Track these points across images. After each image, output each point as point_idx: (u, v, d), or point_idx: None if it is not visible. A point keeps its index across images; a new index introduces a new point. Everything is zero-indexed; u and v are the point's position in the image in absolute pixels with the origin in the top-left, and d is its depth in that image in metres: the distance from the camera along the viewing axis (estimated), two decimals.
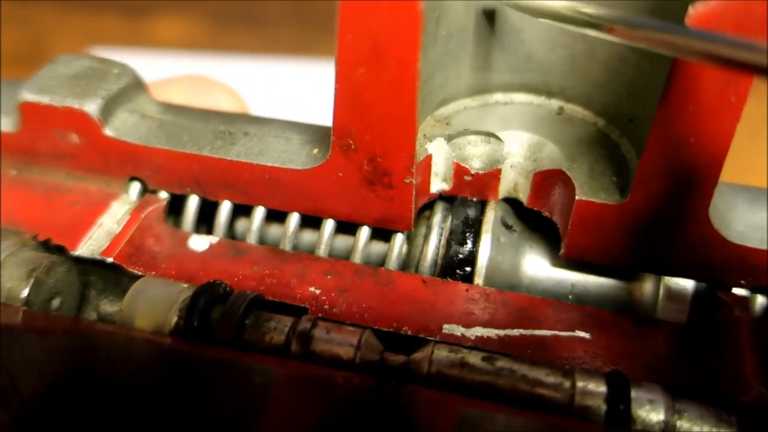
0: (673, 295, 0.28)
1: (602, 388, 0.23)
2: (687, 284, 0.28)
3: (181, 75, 0.39)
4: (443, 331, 0.27)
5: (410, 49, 0.23)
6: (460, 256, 0.29)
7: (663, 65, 0.26)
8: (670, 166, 0.24)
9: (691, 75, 0.22)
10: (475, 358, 0.25)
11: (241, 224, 0.33)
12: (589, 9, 0.22)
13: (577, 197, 0.27)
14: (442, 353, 0.25)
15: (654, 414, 0.23)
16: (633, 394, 0.23)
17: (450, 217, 0.30)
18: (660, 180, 0.25)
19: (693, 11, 0.21)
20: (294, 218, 0.31)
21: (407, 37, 0.23)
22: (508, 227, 0.30)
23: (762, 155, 0.60)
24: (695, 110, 0.23)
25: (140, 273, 0.29)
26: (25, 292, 0.27)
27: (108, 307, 0.28)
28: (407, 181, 0.27)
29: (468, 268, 0.29)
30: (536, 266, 0.31)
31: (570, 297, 0.30)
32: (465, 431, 0.22)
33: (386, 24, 0.23)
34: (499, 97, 0.32)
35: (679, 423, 0.23)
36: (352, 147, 0.27)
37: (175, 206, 0.32)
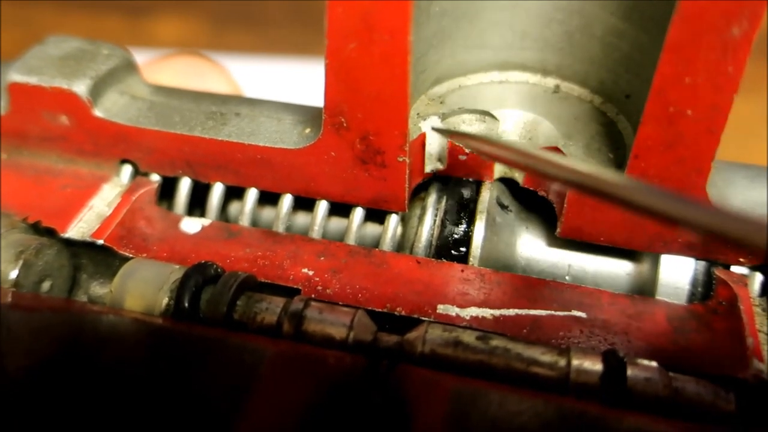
0: (671, 273, 0.27)
1: (598, 367, 0.23)
2: (685, 263, 0.27)
3: (173, 54, 0.39)
4: (437, 311, 0.27)
5: (401, 22, 0.23)
6: (455, 236, 0.29)
7: (661, 39, 0.25)
8: (666, 140, 0.24)
9: (687, 46, 0.22)
10: (469, 337, 0.24)
11: (233, 207, 0.33)
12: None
13: None
14: (435, 332, 0.25)
15: (650, 392, 0.23)
16: (629, 372, 0.23)
17: (445, 197, 0.30)
18: (656, 155, 0.24)
19: None
20: (287, 199, 0.30)
21: (398, 10, 0.23)
22: (503, 207, 0.30)
23: (762, 155, 0.60)
24: (692, 82, 0.22)
25: (131, 255, 0.29)
26: (14, 274, 0.26)
27: (98, 288, 0.28)
28: (400, 159, 0.27)
29: (463, 249, 0.29)
30: (532, 246, 0.30)
31: (567, 277, 0.29)
32: (458, 409, 0.22)
33: None
34: (494, 75, 0.31)
35: (676, 400, 0.23)
36: (344, 125, 0.27)
37: (167, 189, 0.32)
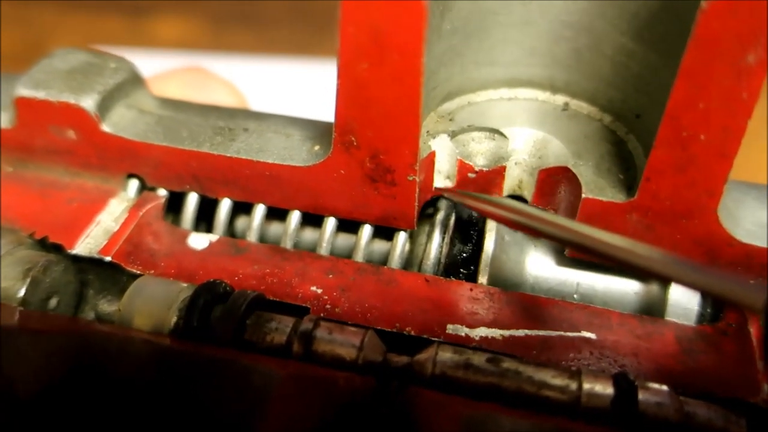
0: (681, 294, 0.27)
1: (609, 390, 0.23)
2: None
3: (178, 67, 0.39)
4: (447, 331, 0.26)
5: (415, 43, 0.23)
6: (464, 254, 0.29)
7: (672, 59, 0.25)
8: (678, 163, 0.24)
9: (702, 71, 0.21)
10: (479, 359, 0.24)
11: (240, 222, 0.33)
12: None
13: (583, 195, 0.26)
14: (446, 354, 0.24)
15: (662, 416, 0.23)
16: (640, 396, 0.23)
17: (453, 214, 0.30)
18: (668, 178, 0.24)
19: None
20: (295, 216, 0.30)
21: (412, 30, 0.22)
22: None
23: (762, 156, 0.59)
24: (706, 106, 0.22)
25: (139, 272, 0.29)
26: (21, 292, 0.26)
27: (106, 306, 0.27)
28: (410, 178, 0.27)
29: (472, 267, 0.29)
30: (541, 265, 0.30)
31: (575, 296, 0.29)
32: None
33: (390, 16, 0.22)
34: (503, 92, 0.31)
35: (687, 425, 0.23)
36: (354, 144, 0.26)
37: (174, 204, 0.32)
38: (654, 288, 0.28)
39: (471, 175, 0.29)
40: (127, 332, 0.24)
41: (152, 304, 0.26)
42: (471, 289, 0.28)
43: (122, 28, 0.94)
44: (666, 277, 0.18)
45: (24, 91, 0.29)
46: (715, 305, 0.27)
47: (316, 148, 0.29)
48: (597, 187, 0.26)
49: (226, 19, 0.94)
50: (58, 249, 0.29)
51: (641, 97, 0.28)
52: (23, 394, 0.21)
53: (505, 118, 0.30)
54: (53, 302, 0.28)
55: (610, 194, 0.26)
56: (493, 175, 0.29)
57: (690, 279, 0.18)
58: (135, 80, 0.31)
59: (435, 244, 0.29)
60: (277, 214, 0.31)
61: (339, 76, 0.25)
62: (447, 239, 0.29)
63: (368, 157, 0.27)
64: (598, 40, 0.28)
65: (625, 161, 0.28)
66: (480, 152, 0.29)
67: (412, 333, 0.26)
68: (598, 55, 0.29)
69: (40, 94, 0.29)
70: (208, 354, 0.23)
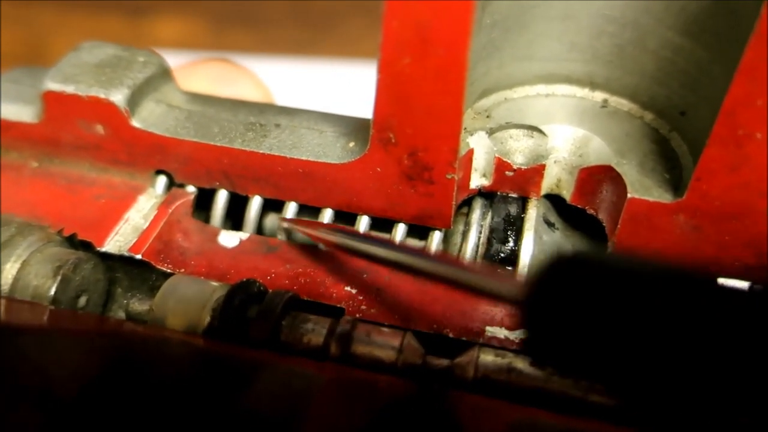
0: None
1: None
2: (742, 287, 0.26)
3: (203, 60, 0.38)
4: (486, 333, 0.26)
5: (461, 37, 0.22)
6: (502, 254, 0.28)
7: (723, 55, 0.24)
8: (732, 163, 0.23)
9: (763, 68, 0.21)
10: (522, 363, 0.24)
11: (269, 220, 0.32)
12: None
13: (629, 195, 0.25)
14: (488, 357, 0.24)
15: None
16: None
17: (490, 213, 0.29)
18: (720, 178, 0.24)
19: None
20: (327, 214, 0.29)
21: (458, 24, 0.22)
22: (550, 225, 0.29)
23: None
24: (764, 104, 0.21)
25: (169, 270, 0.28)
26: (52, 290, 0.25)
27: (137, 305, 0.27)
28: (449, 176, 0.26)
29: (509, 268, 0.28)
30: None
31: None
32: None
33: (436, 10, 0.21)
34: (540, 88, 0.30)
35: None
36: (393, 140, 0.26)
37: (201, 201, 0.31)
38: None
39: (509, 173, 0.29)
40: (162, 332, 0.24)
41: (186, 303, 0.25)
42: None
43: (122, 28, 0.93)
44: (433, 275, 0.21)
45: (53, 85, 0.28)
46: (763, 310, 0.26)
47: (351, 144, 0.28)
48: (642, 186, 0.26)
49: (226, 19, 0.94)
50: (87, 246, 0.28)
51: (687, 93, 0.27)
52: (62, 393, 0.20)
53: (544, 115, 0.29)
54: (82, 301, 0.27)
55: (657, 194, 0.25)
56: (532, 174, 0.29)
57: (453, 276, 0.20)
58: (164, 74, 0.31)
59: (471, 244, 0.29)
60: (308, 212, 0.30)
61: (380, 71, 0.24)
62: (483, 239, 0.29)
63: (406, 155, 0.26)
64: (642, 35, 0.27)
65: (670, 160, 0.27)
66: (518, 150, 0.28)
67: (451, 335, 0.26)
68: (642, 51, 0.28)
69: (69, 89, 0.28)
70: (246, 356, 0.23)
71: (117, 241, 0.28)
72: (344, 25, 0.88)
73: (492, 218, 0.29)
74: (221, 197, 0.30)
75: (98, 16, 0.95)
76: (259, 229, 0.32)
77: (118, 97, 0.28)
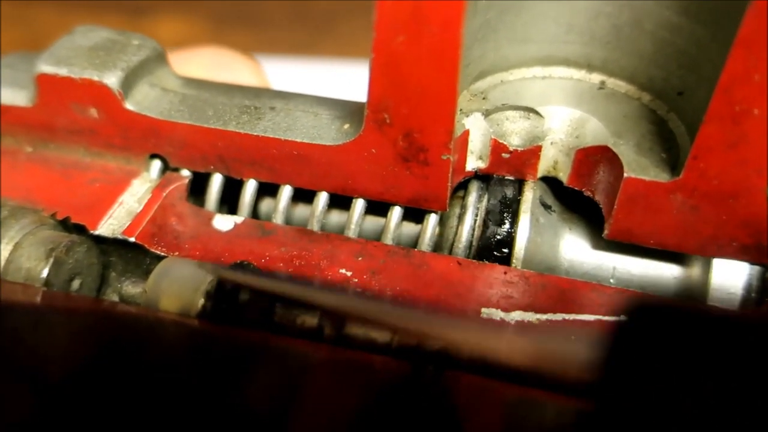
0: (724, 278, 0.26)
1: None
2: (739, 267, 0.26)
3: (200, 48, 0.38)
4: (481, 315, 0.26)
5: (455, 15, 0.22)
6: (498, 237, 0.28)
7: (721, 33, 0.24)
8: (729, 140, 0.23)
9: (759, 42, 0.20)
10: None
11: (265, 204, 0.32)
12: None
13: (625, 175, 0.25)
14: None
15: None
16: None
17: (486, 196, 0.29)
18: (717, 155, 0.23)
19: None
20: (323, 197, 0.29)
21: (452, 2, 0.21)
22: (546, 207, 0.29)
23: None
24: (761, 79, 0.21)
25: (163, 253, 0.28)
26: (44, 273, 0.25)
27: (131, 288, 0.27)
28: (444, 157, 0.26)
29: (505, 250, 0.28)
30: (576, 248, 0.29)
31: (611, 280, 0.29)
32: (513, 419, 0.21)
33: None
34: (537, 71, 0.30)
35: None
36: (387, 121, 0.26)
37: (196, 185, 0.31)
38: (695, 272, 0.28)
39: (505, 155, 0.28)
40: (155, 314, 0.24)
41: (179, 285, 0.25)
42: (505, 273, 0.27)
43: (122, 28, 0.93)
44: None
45: (46, 68, 0.28)
46: (759, 290, 0.26)
47: (346, 126, 0.28)
48: (639, 166, 0.25)
49: (226, 19, 0.94)
50: (80, 230, 0.28)
51: (685, 73, 0.27)
52: (53, 375, 0.20)
53: (540, 97, 0.29)
54: (76, 284, 0.27)
55: (654, 173, 0.25)
56: (528, 155, 0.28)
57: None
58: (158, 58, 0.31)
59: (467, 227, 0.28)
60: (303, 195, 0.30)
61: (373, 51, 0.24)
62: (479, 221, 0.28)
63: (401, 136, 0.26)
64: (640, 15, 0.27)
65: (667, 140, 0.27)
66: (515, 131, 0.28)
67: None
68: (639, 31, 0.28)
69: (62, 71, 0.28)
70: (240, 336, 0.23)
71: (111, 225, 0.28)
72: (344, 25, 0.88)
73: (488, 201, 0.29)
74: (216, 181, 0.30)
75: (98, 16, 0.95)
76: (255, 213, 0.32)
77: (112, 79, 0.28)
